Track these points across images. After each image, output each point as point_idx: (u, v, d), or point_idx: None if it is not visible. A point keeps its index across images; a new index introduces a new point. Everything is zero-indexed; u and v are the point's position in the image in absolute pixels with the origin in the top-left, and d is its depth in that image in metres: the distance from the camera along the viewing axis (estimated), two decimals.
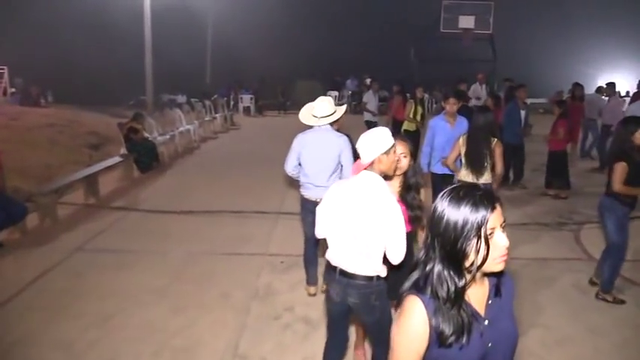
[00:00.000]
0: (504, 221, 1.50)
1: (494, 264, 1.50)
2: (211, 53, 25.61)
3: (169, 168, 10.61)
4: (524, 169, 8.87)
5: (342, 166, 4.35)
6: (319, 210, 2.98)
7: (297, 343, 3.98)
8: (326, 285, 3.04)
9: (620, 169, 4.17)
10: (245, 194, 8.20)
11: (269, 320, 4.32)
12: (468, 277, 1.52)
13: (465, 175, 5.11)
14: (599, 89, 11.54)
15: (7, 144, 9.30)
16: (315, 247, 4.67)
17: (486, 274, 1.59)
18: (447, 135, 5.84)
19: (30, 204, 6.43)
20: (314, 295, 4.67)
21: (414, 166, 3.37)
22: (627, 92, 18.57)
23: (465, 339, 1.50)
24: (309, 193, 4.46)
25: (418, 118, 9.60)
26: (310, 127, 4.38)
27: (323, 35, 24.61)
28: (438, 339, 1.50)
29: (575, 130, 9.98)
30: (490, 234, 1.47)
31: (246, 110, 21.25)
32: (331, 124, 4.34)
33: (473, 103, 10.68)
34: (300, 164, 4.45)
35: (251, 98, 21.32)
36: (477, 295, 1.58)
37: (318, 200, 3.91)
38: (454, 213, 1.48)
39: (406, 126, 9.71)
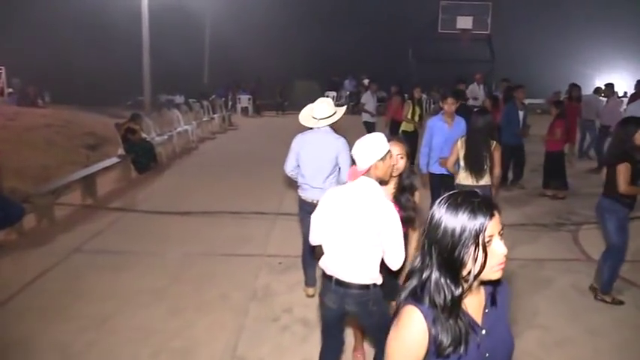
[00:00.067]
0: (502, 228, 1.49)
1: (492, 272, 1.48)
2: (209, 54, 25.58)
3: (167, 169, 10.59)
4: (524, 170, 8.87)
5: (339, 168, 4.34)
6: (314, 217, 2.94)
7: (295, 345, 3.97)
8: (320, 292, 3.01)
9: (625, 169, 4.15)
10: (243, 195, 8.18)
11: (267, 322, 4.31)
12: (465, 285, 1.50)
13: (464, 178, 5.08)
14: (597, 90, 11.55)
15: (5, 144, 9.29)
16: (314, 248, 4.66)
17: (483, 283, 1.57)
18: (444, 135, 5.83)
19: (27, 205, 6.38)
20: (312, 296, 4.66)
21: (409, 168, 3.36)
22: (625, 93, 18.58)
23: (462, 349, 1.47)
24: (306, 194, 4.46)
25: (416, 118, 9.59)
26: (310, 127, 4.37)
27: (321, 35, 24.57)
28: (436, 350, 1.48)
29: (572, 130, 9.99)
30: (488, 241, 1.45)
31: (244, 111, 21.22)
32: (330, 125, 4.33)
33: (470, 103, 10.69)
34: (298, 165, 4.45)
35: (249, 98, 21.29)
36: (474, 304, 1.57)
37: (314, 201, 3.91)
38: (452, 220, 1.46)
39: (404, 127, 9.71)
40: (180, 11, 21.40)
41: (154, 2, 17.86)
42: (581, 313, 4.44)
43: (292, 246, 5.52)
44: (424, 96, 18.12)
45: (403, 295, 1.58)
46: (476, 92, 12.14)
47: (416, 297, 1.53)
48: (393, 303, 3.08)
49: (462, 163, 5.11)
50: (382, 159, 2.79)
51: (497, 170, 5.07)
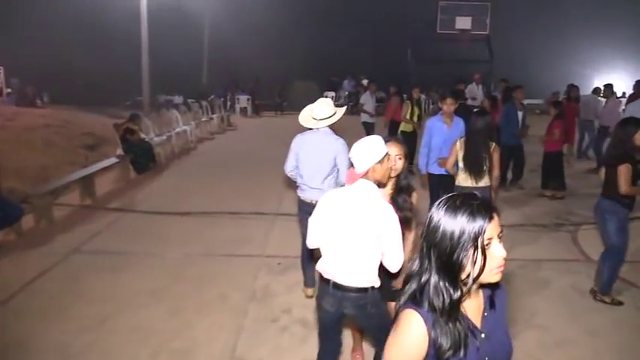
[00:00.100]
0: (502, 231, 1.48)
1: (491, 275, 1.47)
2: (208, 54, 25.58)
3: (166, 169, 10.58)
4: (523, 170, 8.88)
5: (338, 169, 4.33)
6: (312, 220, 2.93)
7: (294, 346, 3.96)
8: (317, 296, 2.99)
9: (626, 170, 4.15)
10: (242, 195, 8.18)
11: (266, 322, 4.30)
12: (465, 289, 1.49)
13: (463, 179, 5.07)
14: (596, 90, 11.56)
15: (3, 144, 9.29)
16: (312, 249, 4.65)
17: (481, 286, 1.56)
18: (443, 136, 5.82)
19: (26, 205, 6.40)
20: (311, 297, 4.64)
21: (408, 168, 3.35)
22: (623, 93, 18.59)
23: (462, 353, 1.47)
24: (305, 195, 4.46)
25: (415, 119, 9.59)
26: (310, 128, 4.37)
27: (320, 35, 24.58)
28: (435, 354, 1.47)
29: (570, 131, 10.00)
30: (487, 244, 1.44)
31: (243, 111, 21.22)
32: (330, 126, 4.32)
33: (469, 102, 10.69)
34: (297, 166, 4.44)
35: (248, 99, 21.29)
36: (473, 308, 1.56)
37: (313, 202, 3.90)
38: (450, 222, 1.45)
39: (403, 127, 9.71)
40: (179, 11, 21.41)
41: (153, 2, 17.85)
42: (581, 313, 4.44)
43: (291, 246, 5.51)
44: (423, 96, 18.12)
45: (402, 299, 1.57)
46: (474, 92, 12.15)
47: (415, 301, 1.52)
48: (392, 304, 3.10)
49: (461, 164, 5.10)
50: (380, 162, 2.78)
51: (496, 172, 5.06)
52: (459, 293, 1.48)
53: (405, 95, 10.86)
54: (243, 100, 21.32)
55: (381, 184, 2.88)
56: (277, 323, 4.29)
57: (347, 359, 3.61)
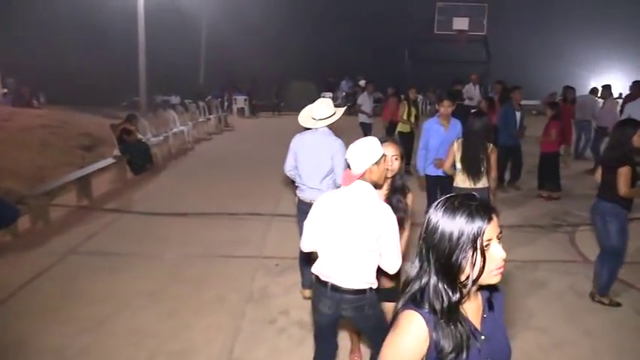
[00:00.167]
0: (501, 232, 1.46)
1: (491, 276, 1.46)
2: (205, 54, 25.54)
3: (163, 169, 10.55)
4: (521, 171, 8.88)
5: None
6: (307, 223, 2.91)
7: (292, 347, 3.95)
8: (313, 298, 2.97)
9: (626, 172, 4.14)
10: (239, 196, 8.16)
11: (264, 324, 4.29)
12: (464, 291, 1.47)
13: (462, 181, 5.06)
14: (594, 90, 11.57)
15: None
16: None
17: (480, 287, 1.55)
18: (440, 138, 5.81)
19: (22, 206, 6.34)
20: (309, 298, 4.60)
21: (405, 168, 3.34)
22: (620, 94, 18.63)
23: (464, 355, 1.45)
24: (304, 195, 4.45)
25: (412, 119, 9.59)
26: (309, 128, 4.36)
27: (317, 36, 24.60)
28: (437, 356, 1.45)
29: (567, 132, 10.00)
30: (486, 246, 1.42)
31: (240, 111, 21.18)
32: (329, 126, 4.31)
33: (465, 103, 10.70)
34: (296, 166, 4.43)
35: (245, 99, 21.26)
36: (472, 310, 1.55)
37: (312, 202, 3.88)
38: (449, 224, 1.44)
39: (400, 128, 9.72)
40: (176, 12, 21.39)
41: (150, 2, 17.81)
42: (579, 314, 4.44)
43: (289, 247, 5.51)
44: (420, 97, 18.13)
45: (402, 301, 1.55)
46: (471, 92, 12.16)
47: (415, 302, 1.50)
48: (387, 304, 3.10)
49: (458, 165, 5.09)
50: (377, 163, 2.77)
51: (493, 173, 5.06)
52: (458, 295, 1.46)
53: (402, 96, 10.86)
54: (240, 101, 21.29)
55: (377, 185, 2.87)
56: (275, 325, 4.28)
57: None
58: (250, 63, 22.86)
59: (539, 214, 7.37)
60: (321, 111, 4.22)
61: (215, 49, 24.58)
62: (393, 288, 3.18)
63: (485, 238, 1.42)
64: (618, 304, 4.54)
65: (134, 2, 17.53)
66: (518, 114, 8.57)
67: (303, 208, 4.31)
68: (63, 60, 19.76)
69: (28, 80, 17.53)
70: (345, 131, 4.81)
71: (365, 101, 11.18)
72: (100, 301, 4.60)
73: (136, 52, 17.88)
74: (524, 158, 8.87)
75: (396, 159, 3.16)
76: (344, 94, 21.83)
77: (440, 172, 5.59)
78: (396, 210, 3.13)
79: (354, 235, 2.70)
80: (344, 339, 3.62)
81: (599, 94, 11.26)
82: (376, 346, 3.02)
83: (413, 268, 1.55)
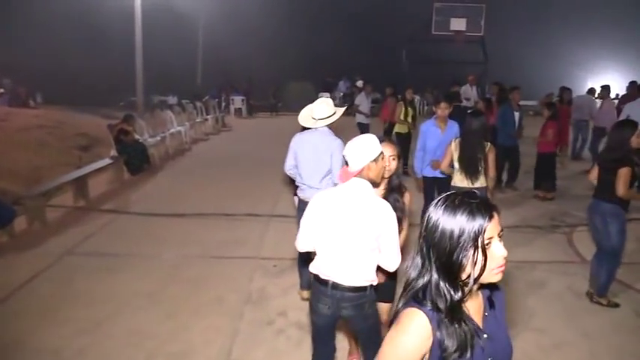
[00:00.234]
0: (502, 230, 1.45)
1: (492, 275, 1.44)
2: (202, 54, 25.50)
3: (160, 170, 10.52)
4: (519, 171, 8.89)
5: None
6: (303, 222, 2.88)
7: (290, 349, 3.94)
8: (312, 299, 2.94)
9: (626, 173, 4.14)
10: (237, 197, 8.14)
11: (262, 325, 4.28)
12: (465, 289, 1.46)
13: (460, 180, 5.07)
14: (591, 90, 11.59)
15: None
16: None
17: (480, 286, 1.53)
18: (437, 140, 5.81)
19: (18, 207, 6.32)
20: (307, 299, 4.61)
21: (400, 170, 3.34)
22: (617, 95, 18.68)
23: (469, 354, 1.43)
24: (304, 194, 4.43)
25: (409, 119, 9.59)
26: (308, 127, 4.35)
27: (314, 36, 24.60)
28: (441, 355, 1.43)
29: (564, 132, 10.01)
30: (487, 244, 1.41)
31: (238, 112, 21.16)
32: (329, 126, 4.30)
33: (463, 104, 10.71)
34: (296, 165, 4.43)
35: (242, 100, 21.24)
36: (474, 308, 1.53)
37: None
38: (450, 222, 1.42)
39: (397, 128, 9.72)
40: (173, 12, 21.34)
41: (147, 3, 17.76)
42: (578, 315, 4.44)
43: (287, 248, 5.49)
44: (417, 97, 18.14)
45: (403, 299, 1.53)
46: (468, 93, 12.18)
47: (418, 300, 1.48)
48: (382, 305, 3.09)
49: (456, 165, 5.10)
50: (375, 160, 2.75)
51: (491, 172, 5.06)
52: (459, 294, 1.45)
53: (399, 96, 10.86)
54: (237, 101, 21.28)
55: (374, 184, 2.85)
56: (273, 326, 4.27)
57: None
58: (247, 63, 22.86)
59: (537, 214, 7.38)
60: (322, 110, 4.22)
61: (212, 50, 24.54)
62: (387, 286, 3.16)
63: (486, 236, 1.40)
64: (616, 305, 4.54)
65: (131, 2, 17.48)
66: (516, 114, 8.59)
67: (304, 208, 4.29)
68: (60, 60, 19.68)
69: (25, 80, 17.45)
70: (342, 132, 4.79)
71: (362, 101, 11.17)
72: (97, 302, 4.58)
73: (133, 53, 17.83)
74: (521, 159, 8.88)
75: (394, 159, 3.16)
76: (341, 94, 21.83)
77: (437, 174, 5.59)
78: (393, 209, 3.13)
79: (355, 232, 2.68)
80: (342, 341, 3.60)
81: (596, 94, 11.28)
82: (373, 346, 3.00)
83: (414, 267, 1.53)
